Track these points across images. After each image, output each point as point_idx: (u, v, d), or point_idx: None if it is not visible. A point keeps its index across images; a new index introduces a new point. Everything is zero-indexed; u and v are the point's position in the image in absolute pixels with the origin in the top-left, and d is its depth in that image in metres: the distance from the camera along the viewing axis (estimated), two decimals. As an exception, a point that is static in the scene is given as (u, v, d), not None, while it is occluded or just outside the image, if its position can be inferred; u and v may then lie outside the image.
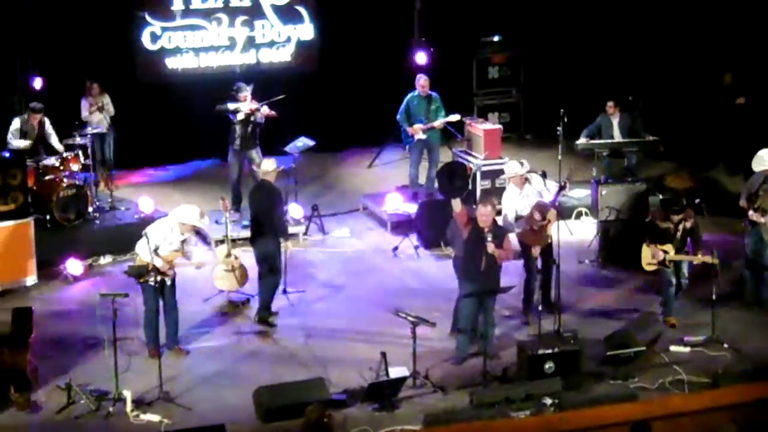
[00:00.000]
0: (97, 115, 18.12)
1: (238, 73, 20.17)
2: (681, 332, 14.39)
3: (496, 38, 22.52)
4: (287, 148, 17.62)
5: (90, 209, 17.21)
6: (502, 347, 13.97)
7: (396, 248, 17.19)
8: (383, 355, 12.97)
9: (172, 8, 20.11)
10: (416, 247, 17.20)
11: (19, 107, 18.15)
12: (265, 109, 17.53)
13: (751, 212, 14.89)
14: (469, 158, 18.53)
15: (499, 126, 19.49)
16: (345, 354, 13.97)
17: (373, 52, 21.15)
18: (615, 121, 18.74)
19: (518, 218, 14.72)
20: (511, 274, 14.51)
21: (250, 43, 20.68)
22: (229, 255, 15.11)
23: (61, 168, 17.05)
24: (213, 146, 18.88)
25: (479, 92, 22.40)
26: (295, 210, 17.48)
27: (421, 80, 18.50)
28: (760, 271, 15.10)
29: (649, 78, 21.12)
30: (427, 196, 18.27)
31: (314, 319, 15.00)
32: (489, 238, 13.33)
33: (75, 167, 17.21)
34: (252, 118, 17.55)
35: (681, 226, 14.42)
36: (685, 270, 14.71)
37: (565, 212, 17.11)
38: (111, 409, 12.52)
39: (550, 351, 13.11)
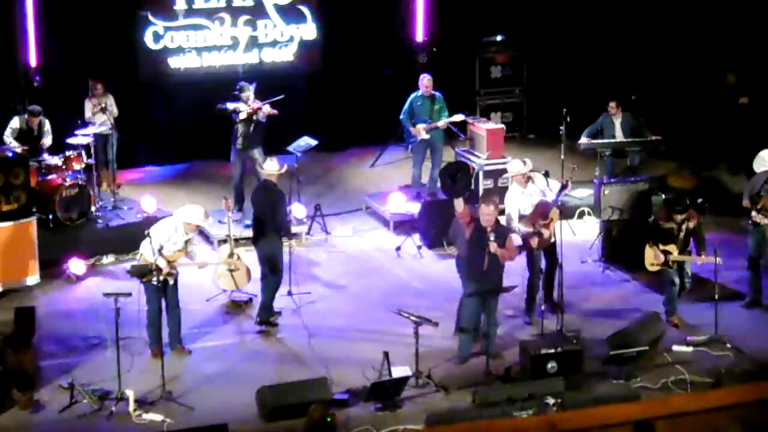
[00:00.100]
0: (101, 116, 18.10)
1: (240, 72, 20.18)
2: (684, 332, 14.39)
3: (498, 38, 22.51)
4: (290, 148, 17.61)
5: (93, 209, 17.21)
6: (505, 347, 13.98)
7: (399, 248, 17.20)
8: (386, 354, 12.98)
9: (175, 8, 20.09)
10: (419, 247, 17.20)
11: (22, 106, 18.12)
12: (267, 108, 17.53)
13: (754, 213, 14.89)
14: (472, 158, 18.52)
15: (502, 126, 19.50)
16: (347, 353, 13.97)
17: (375, 51, 21.15)
18: (617, 122, 18.73)
19: (521, 217, 14.71)
20: (514, 273, 14.50)
21: (253, 42, 20.66)
22: (231, 254, 15.10)
23: (64, 167, 17.05)
24: (215, 146, 18.86)
25: (482, 92, 22.38)
26: (297, 209, 17.47)
27: (425, 80, 18.49)
28: (762, 270, 15.09)
29: (652, 77, 21.10)
30: (430, 196, 18.26)
31: (317, 318, 14.99)
32: (491, 238, 13.33)
33: (77, 167, 17.20)
34: (254, 118, 17.55)
35: (684, 227, 14.42)
36: (688, 270, 14.71)
37: (567, 212, 17.08)
38: (114, 408, 12.53)
39: (552, 351, 13.11)
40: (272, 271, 14.71)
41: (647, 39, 21.49)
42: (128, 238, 16.29)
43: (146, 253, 13.50)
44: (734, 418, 10.54)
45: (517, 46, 22.50)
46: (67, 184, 16.77)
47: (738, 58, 20.50)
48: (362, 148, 21.33)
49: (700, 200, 17.44)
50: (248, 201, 16.52)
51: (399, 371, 12.97)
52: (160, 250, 13.40)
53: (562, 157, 17.00)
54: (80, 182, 17.00)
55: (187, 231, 13.69)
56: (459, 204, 13.51)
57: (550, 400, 12.32)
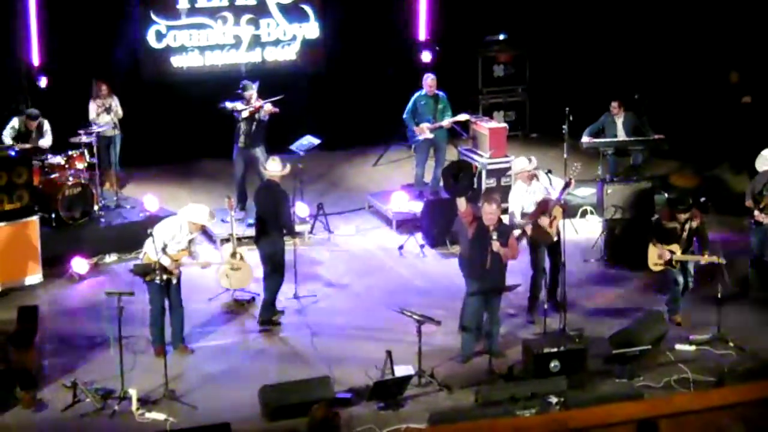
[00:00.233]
0: (105, 116, 18.10)
1: (243, 71, 20.19)
2: (686, 331, 14.38)
3: (501, 37, 22.50)
4: (293, 147, 17.61)
5: (95, 207, 17.21)
6: (508, 346, 13.98)
7: (401, 247, 17.20)
8: (388, 353, 12.96)
9: (178, 7, 20.10)
10: (422, 246, 17.20)
11: (25, 106, 18.12)
12: (269, 107, 17.52)
13: (756, 212, 14.89)
14: (475, 157, 18.53)
15: (505, 124, 19.52)
16: (350, 352, 13.97)
17: (378, 50, 21.15)
18: (619, 121, 18.72)
19: (524, 215, 14.70)
20: (517, 273, 14.50)
21: (256, 41, 20.68)
22: (234, 254, 15.11)
23: (67, 166, 17.05)
24: (218, 144, 18.85)
25: (485, 91, 22.37)
26: (300, 208, 17.47)
27: (429, 79, 18.49)
28: (764, 269, 15.09)
29: (655, 76, 21.09)
30: (433, 195, 18.26)
31: (319, 317, 15.00)
32: (494, 237, 13.32)
33: (80, 165, 17.20)
34: (256, 116, 17.55)
35: (687, 226, 14.41)
36: (691, 269, 14.70)
37: (570, 211, 17.09)
38: (116, 407, 12.53)
39: (555, 349, 13.11)
40: (274, 270, 14.70)
41: (650, 37, 21.47)
42: (131, 237, 16.30)
43: (150, 251, 13.50)
44: (737, 417, 10.52)
45: (520, 44, 22.49)
46: (69, 183, 16.77)
47: (741, 57, 20.49)
48: (365, 147, 21.32)
49: (702, 199, 17.44)
50: (251, 200, 16.53)
51: (402, 370, 12.97)
52: (164, 249, 13.41)
53: (565, 156, 16.97)
54: (83, 181, 17.00)
55: (192, 230, 13.69)
56: (461, 203, 13.50)
57: (553, 399, 12.35)
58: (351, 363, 13.62)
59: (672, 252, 14.42)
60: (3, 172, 15.66)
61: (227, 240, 15.63)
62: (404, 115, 18.51)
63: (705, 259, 14.49)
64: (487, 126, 18.79)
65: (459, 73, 21.60)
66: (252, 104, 17.51)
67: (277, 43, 20.84)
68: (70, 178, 16.86)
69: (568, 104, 16.99)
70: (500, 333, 13.91)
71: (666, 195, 17.67)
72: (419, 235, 17.40)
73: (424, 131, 18.32)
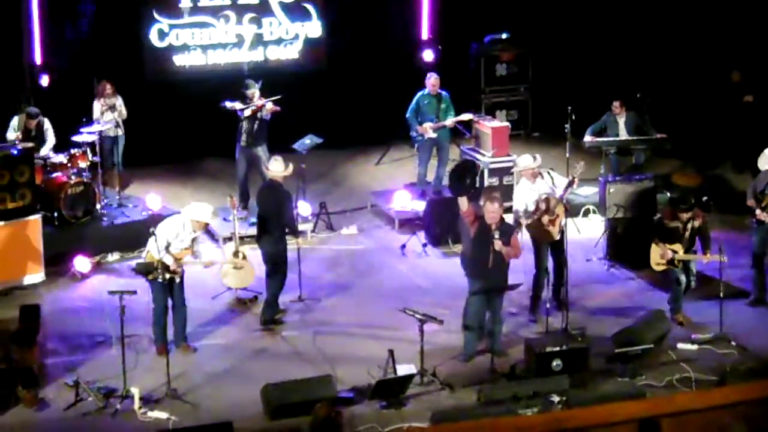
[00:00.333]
0: (108, 114, 18.11)
1: (245, 70, 20.20)
2: (689, 330, 14.39)
3: (504, 35, 22.49)
4: (295, 146, 17.60)
5: (98, 206, 17.20)
6: (510, 345, 13.98)
7: (404, 246, 17.19)
8: (391, 352, 12.96)
9: (180, 5, 20.11)
10: (424, 245, 17.20)
11: (27, 105, 18.12)
12: (270, 105, 17.53)
13: (758, 211, 14.88)
14: (477, 156, 18.52)
15: (507, 124, 19.52)
16: (352, 351, 13.98)
17: (380, 49, 21.15)
18: (621, 120, 18.73)
19: (527, 213, 14.70)
20: (520, 272, 14.49)
21: (258, 40, 20.69)
22: (237, 252, 15.11)
23: (69, 165, 17.05)
24: (221, 143, 18.87)
25: (487, 90, 22.36)
26: (303, 207, 17.48)
27: (432, 79, 18.49)
28: (766, 268, 15.08)
29: (657, 75, 21.09)
30: (435, 194, 18.27)
31: (322, 316, 15.01)
32: (496, 236, 13.32)
33: (83, 164, 17.19)
34: (258, 115, 17.57)
35: (689, 225, 14.41)
36: (693, 269, 14.70)
37: (572, 210, 17.08)
38: (119, 406, 12.54)
39: (557, 348, 13.11)
40: (276, 270, 14.70)
41: (652, 36, 21.48)
42: (133, 236, 16.32)
43: (153, 250, 13.50)
44: (739, 416, 10.52)
45: (523, 43, 22.47)
46: (72, 181, 16.76)
47: (743, 56, 20.49)
48: (367, 146, 21.31)
49: (704, 198, 17.43)
50: (253, 199, 16.53)
51: (404, 369, 12.97)
52: (167, 247, 13.41)
53: (567, 155, 16.99)
54: (85, 180, 16.99)
55: (195, 228, 13.70)
56: (463, 203, 13.50)
57: (555, 398, 12.35)
58: (353, 362, 13.63)
59: (674, 251, 14.42)
60: (5, 171, 15.66)
61: (230, 239, 15.63)
62: (407, 115, 18.51)
63: (707, 258, 14.50)
64: (489, 125, 18.78)
65: (461, 73, 21.60)
66: (254, 103, 17.51)
67: (279, 41, 20.85)
68: (73, 177, 16.84)
69: (571, 103, 17.00)
70: (503, 332, 13.90)
71: (668, 194, 17.67)
72: (422, 234, 17.40)
73: (427, 130, 18.32)
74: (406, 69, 20.79)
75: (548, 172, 15.43)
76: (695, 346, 13.97)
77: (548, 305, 14.16)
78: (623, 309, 15.12)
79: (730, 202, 17.84)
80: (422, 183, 18.81)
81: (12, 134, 17.14)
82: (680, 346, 13.97)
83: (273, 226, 14.63)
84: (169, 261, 13.41)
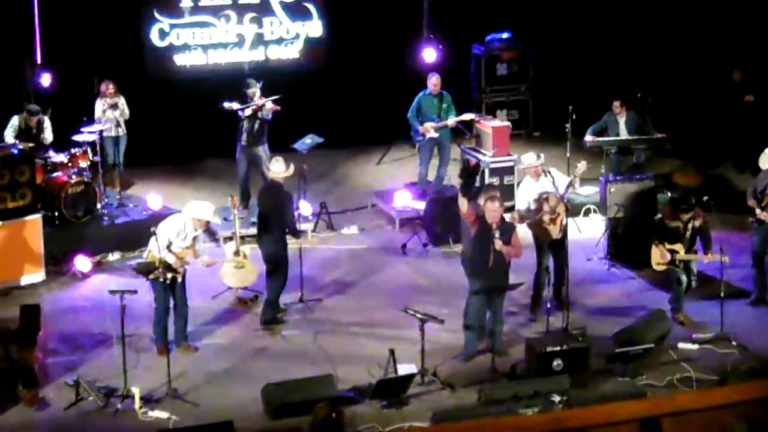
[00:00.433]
0: (110, 113, 18.10)
1: (246, 70, 20.19)
2: (689, 330, 14.38)
3: (504, 35, 22.48)
4: (296, 146, 17.61)
5: (98, 206, 17.20)
6: (511, 344, 13.98)
7: (405, 245, 17.19)
8: (391, 352, 12.95)
9: (181, 5, 20.12)
10: (425, 245, 17.21)
11: (27, 104, 18.09)
12: (270, 105, 17.53)
13: (758, 211, 14.87)
14: (478, 155, 18.52)
15: (508, 123, 19.52)
16: (353, 351, 13.98)
17: (381, 48, 21.15)
18: (621, 120, 18.73)
19: (530, 211, 14.69)
20: (520, 271, 14.49)
21: (259, 40, 20.68)
22: (237, 252, 15.11)
23: (70, 164, 17.04)
24: (221, 143, 18.86)
25: (488, 89, 22.34)
26: (303, 207, 17.46)
27: (433, 79, 18.48)
28: (766, 268, 15.08)
29: (658, 75, 21.09)
30: (436, 194, 18.25)
31: (323, 315, 15.01)
32: (497, 235, 13.32)
33: (83, 164, 17.19)
34: (259, 115, 17.57)
35: (690, 225, 14.40)
36: (694, 268, 14.70)
37: (573, 209, 17.08)
38: (119, 405, 12.54)
39: (558, 348, 13.11)
40: (276, 270, 14.69)
41: (653, 36, 21.48)
42: (134, 236, 16.33)
43: (154, 250, 13.49)
44: (740, 416, 10.51)
45: (523, 43, 22.47)
46: (72, 181, 16.76)
47: (744, 56, 20.48)
48: (368, 146, 21.30)
49: (705, 198, 17.42)
50: (254, 198, 16.52)
51: (405, 368, 12.97)
52: (168, 246, 13.41)
53: (568, 154, 17.00)
54: (86, 179, 16.99)
55: (196, 227, 13.70)
56: (463, 203, 13.50)
57: (556, 398, 12.33)
58: (354, 361, 13.63)
59: (675, 251, 14.41)
60: (6, 171, 15.67)
61: (230, 238, 15.63)
62: (408, 114, 18.51)
63: (708, 258, 14.49)
64: (490, 125, 18.78)
65: (462, 72, 21.60)
66: (254, 102, 17.51)
67: (280, 41, 20.84)
68: (73, 176, 16.84)
69: (571, 103, 17.02)
70: (503, 331, 13.89)
71: (669, 194, 17.68)
72: (422, 234, 17.40)
73: (428, 130, 18.32)
74: (407, 69, 20.77)
75: (550, 172, 15.41)
76: (696, 346, 13.96)
77: (549, 305, 14.15)
78: (624, 309, 15.12)
79: (730, 202, 17.83)
80: (423, 182, 18.81)
81: (10, 136, 17.12)
82: (681, 345, 13.97)
83: (273, 226, 14.62)
84: (171, 260, 13.41)
